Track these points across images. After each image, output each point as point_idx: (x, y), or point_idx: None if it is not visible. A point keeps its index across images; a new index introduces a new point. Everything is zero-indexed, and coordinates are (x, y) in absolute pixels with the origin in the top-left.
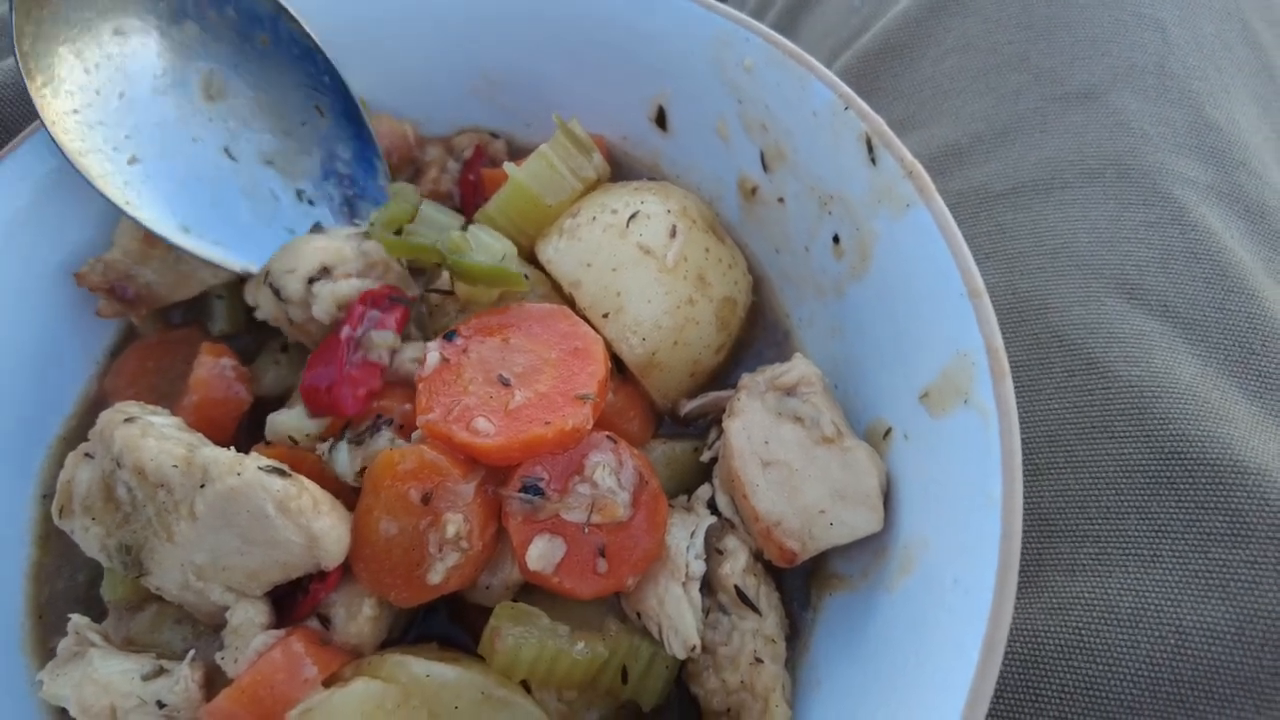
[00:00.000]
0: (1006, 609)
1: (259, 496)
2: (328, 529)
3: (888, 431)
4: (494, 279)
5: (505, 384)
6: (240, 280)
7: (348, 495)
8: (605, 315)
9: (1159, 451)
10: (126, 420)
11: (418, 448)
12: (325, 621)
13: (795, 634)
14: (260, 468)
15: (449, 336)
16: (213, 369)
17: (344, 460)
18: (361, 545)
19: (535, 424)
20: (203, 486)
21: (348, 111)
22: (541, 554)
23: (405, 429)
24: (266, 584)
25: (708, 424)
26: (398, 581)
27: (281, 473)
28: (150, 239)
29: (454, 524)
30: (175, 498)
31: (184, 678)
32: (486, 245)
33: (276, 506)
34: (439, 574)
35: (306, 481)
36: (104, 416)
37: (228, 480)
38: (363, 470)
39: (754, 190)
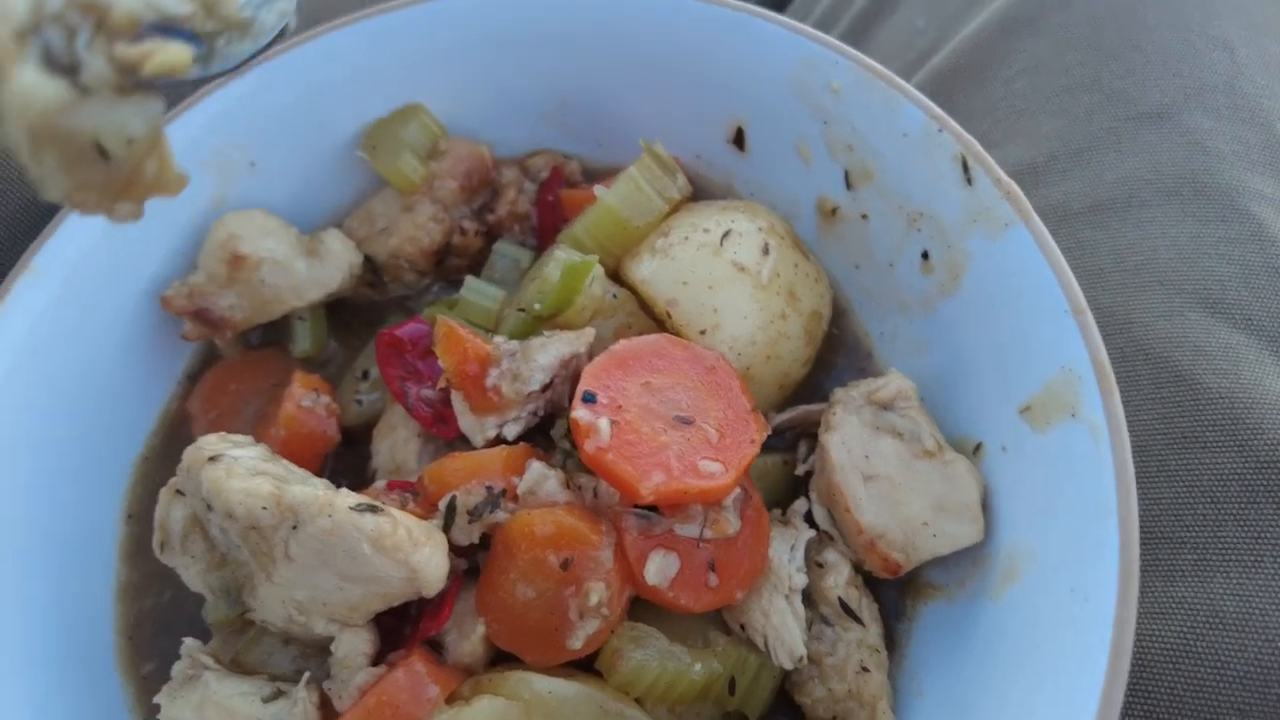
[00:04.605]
0: (1130, 616)
1: (353, 537)
2: (426, 560)
3: (978, 446)
4: (567, 300)
5: (688, 422)
6: (323, 303)
7: None
8: (702, 332)
9: (1255, 461)
10: (211, 459)
11: (554, 513)
12: (437, 646)
13: (891, 645)
14: (352, 507)
15: (588, 398)
16: (304, 404)
17: (462, 536)
18: (496, 607)
19: (744, 445)
20: (295, 528)
21: None
22: (659, 569)
23: (509, 493)
24: (368, 613)
25: (794, 437)
26: (535, 645)
27: (374, 509)
28: (237, 262)
29: (597, 592)
30: (269, 540)
31: (301, 700)
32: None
33: (372, 545)
34: (580, 640)
35: (399, 514)
36: (189, 454)
37: (320, 522)
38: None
39: (834, 210)
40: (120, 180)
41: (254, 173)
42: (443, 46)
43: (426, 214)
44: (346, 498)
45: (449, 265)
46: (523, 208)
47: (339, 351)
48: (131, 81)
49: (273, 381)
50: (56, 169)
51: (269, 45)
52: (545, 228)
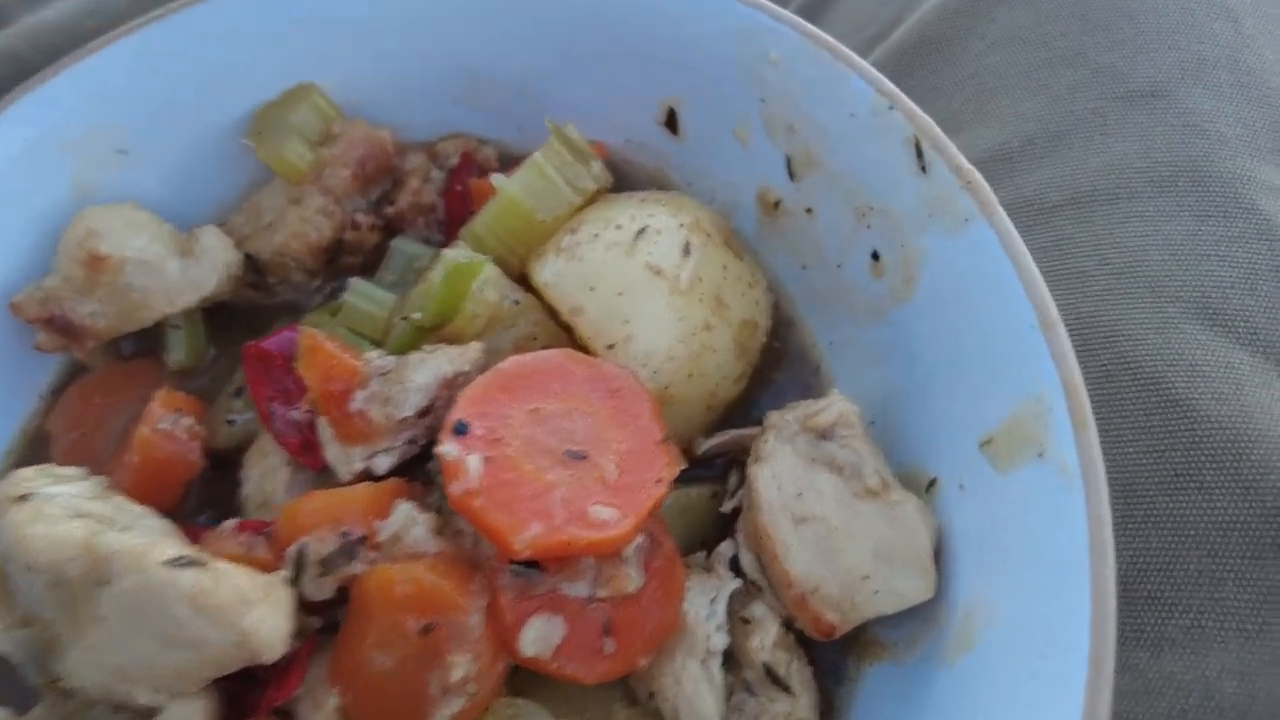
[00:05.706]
0: (1103, 699)
1: (168, 595)
2: (258, 623)
3: (932, 482)
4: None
5: (581, 458)
6: (200, 308)
7: None
8: (611, 346)
9: (1260, 507)
10: (18, 499)
11: (414, 569)
12: (288, 717)
13: (830, 710)
14: (165, 561)
15: (459, 429)
16: (160, 427)
17: (314, 590)
18: (351, 676)
19: (649, 485)
20: (107, 584)
21: None
22: (539, 636)
23: (370, 540)
24: (200, 681)
25: (726, 464)
26: None
27: (194, 563)
28: (96, 264)
29: (461, 667)
30: (77, 598)
31: None
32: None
33: (190, 605)
34: None
35: (227, 569)
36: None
37: (130, 578)
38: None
39: (776, 203)
40: None
41: (125, 161)
42: (341, 17)
43: (315, 206)
44: (163, 549)
45: (342, 264)
46: (428, 199)
47: (220, 361)
48: None
49: (145, 396)
50: None
51: None
52: (454, 221)
